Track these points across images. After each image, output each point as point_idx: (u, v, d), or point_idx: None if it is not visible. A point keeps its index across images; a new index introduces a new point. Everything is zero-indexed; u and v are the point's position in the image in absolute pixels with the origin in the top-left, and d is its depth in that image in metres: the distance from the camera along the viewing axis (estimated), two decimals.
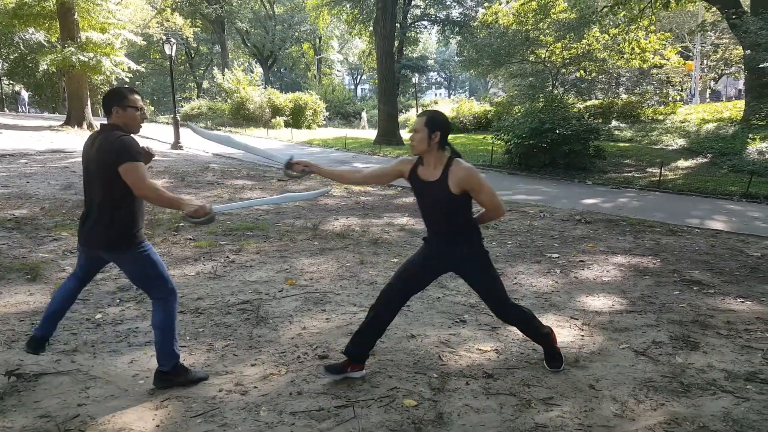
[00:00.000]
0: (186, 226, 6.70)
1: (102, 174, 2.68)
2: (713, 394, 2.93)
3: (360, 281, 4.92)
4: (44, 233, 6.13)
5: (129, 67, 21.21)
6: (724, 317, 4.11)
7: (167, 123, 25.32)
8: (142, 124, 2.85)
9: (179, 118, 18.60)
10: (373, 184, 3.08)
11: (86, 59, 18.78)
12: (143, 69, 27.02)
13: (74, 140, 16.76)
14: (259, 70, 39.85)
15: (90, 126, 20.47)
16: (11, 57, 26.50)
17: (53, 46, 20.53)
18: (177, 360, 2.89)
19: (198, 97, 37.98)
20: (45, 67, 19.85)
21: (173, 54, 18.15)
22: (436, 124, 2.80)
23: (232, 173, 11.71)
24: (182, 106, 29.09)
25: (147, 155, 2.92)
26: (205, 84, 44.04)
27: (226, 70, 30.87)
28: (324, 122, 30.90)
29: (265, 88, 30.65)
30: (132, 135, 2.75)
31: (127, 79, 23.61)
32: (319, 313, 4.10)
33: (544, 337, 3.15)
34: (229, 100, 27.51)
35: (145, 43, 29.83)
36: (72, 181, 9.44)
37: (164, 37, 22.33)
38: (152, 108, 37.06)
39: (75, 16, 19.30)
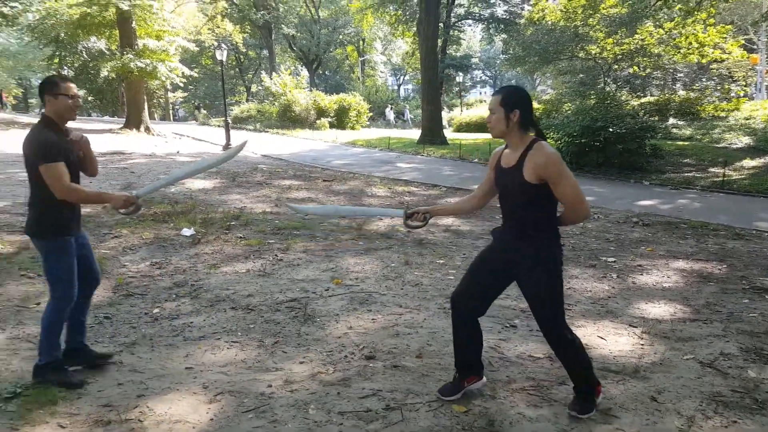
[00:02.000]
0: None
1: (27, 165, 2.75)
2: None
3: (405, 282, 4.85)
4: (106, 230, 6.36)
5: (183, 73, 21.96)
6: None
7: (218, 126, 26.00)
8: (75, 113, 2.83)
9: (230, 121, 19.06)
10: (492, 197, 2.75)
11: (143, 65, 19.64)
12: (196, 74, 27.87)
13: (133, 142, 17.46)
14: (304, 72, 40.35)
15: (147, 129, 21.35)
16: (75, 65, 27.91)
17: (113, 54, 21.50)
18: (52, 359, 2.85)
19: (247, 100, 38.80)
20: (105, 73, 20.78)
21: (224, 59, 18.62)
22: (513, 101, 2.43)
23: (279, 173, 11.87)
24: (232, 110, 29.76)
25: (76, 144, 2.90)
26: (254, 88, 44.97)
27: (273, 73, 31.42)
28: (368, 123, 30.99)
29: (311, 90, 30.95)
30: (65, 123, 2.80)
31: (181, 84, 24.35)
32: (365, 313, 4.06)
33: (589, 383, 2.63)
34: (276, 103, 27.97)
35: (197, 49, 30.77)
36: (131, 181, 9.77)
37: (215, 43, 22.96)
38: (204, 111, 38.15)
39: (133, 25, 20.23)
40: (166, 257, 5.50)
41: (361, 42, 48.87)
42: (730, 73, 22.66)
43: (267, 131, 25.20)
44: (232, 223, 7.03)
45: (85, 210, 7.28)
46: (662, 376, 3.08)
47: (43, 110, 2.85)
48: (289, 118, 26.81)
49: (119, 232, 6.28)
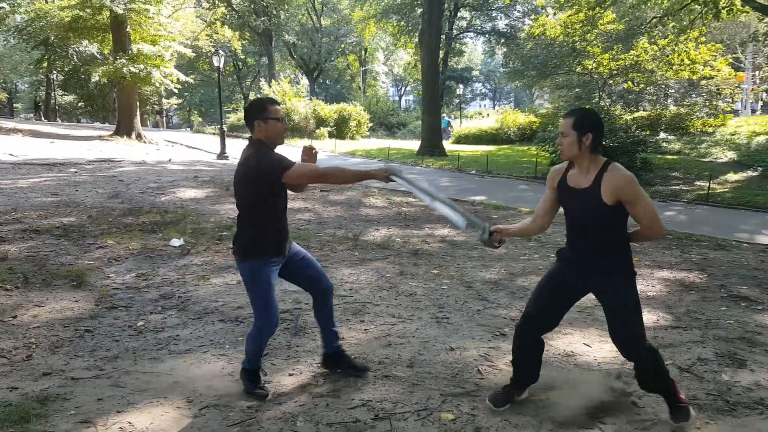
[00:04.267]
0: None
1: (254, 191, 2.82)
2: (761, 413, 2.83)
3: (399, 292, 4.91)
4: (90, 241, 6.31)
5: (178, 79, 21.82)
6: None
7: (214, 133, 25.98)
8: (284, 136, 2.90)
9: (225, 129, 19.07)
10: (552, 219, 2.82)
11: (137, 70, 19.34)
12: (192, 80, 27.94)
13: (124, 150, 17.36)
14: (305, 81, 40.54)
15: (139, 136, 21.01)
16: (65, 69, 27.62)
17: (105, 58, 21.27)
18: (253, 366, 3.00)
19: (245, 108, 38.90)
20: (97, 78, 20.52)
21: (221, 66, 18.63)
22: (586, 124, 2.48)
23: None
24: (229, 117, 29.79)
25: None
26: (252, 95, 45.09)
27: (272, 81, 31.54)
28: (368, 133, 31.13)
29: (311, 99, 31.11)
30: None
31: (176, 90, 24.21)
32: (358, 323, 4.11)
33: (670, 388, 2.70)
34: None
35: (194, 54, 30.80)
36: (119, 190, 9.71)
37: (213, 49, 22.95)
38: (199, 119, 38.08)
39: (127, 29, 19.89)
40: (153, 268, 5.46)
41: (363, 52, 49.13)
42: (718, 89, 23.04)
43: None
44: (224, 233, 7.00)
45: (68, 219, 7.27)
46: None
47: (251, 136, 2.86)
48: (287, 127, 26.95)
49: (105, 243, 6.22)
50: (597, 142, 2.49)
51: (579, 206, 2.54)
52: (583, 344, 3.76)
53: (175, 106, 46.88)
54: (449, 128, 31.59)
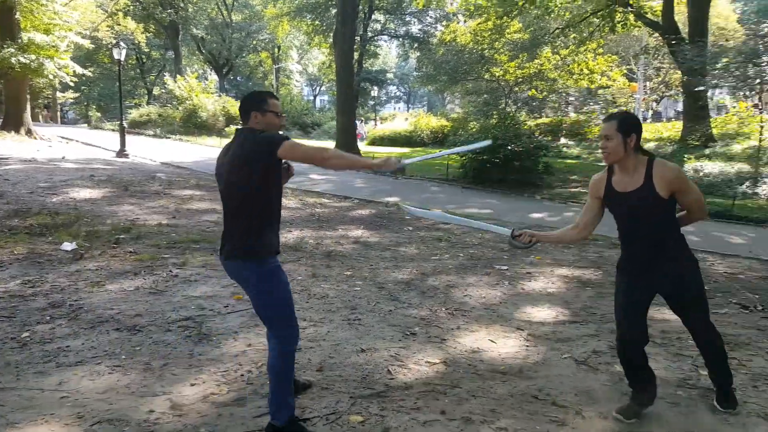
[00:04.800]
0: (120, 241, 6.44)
1: (248, 176, 2.51)
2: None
3: (311, 295, 4.84)
4: None
5: (75, 71, 20.35)
6: (659, 327, 4.22)
7: (114, 130, 24.46)
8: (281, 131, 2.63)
9: (126, 125, 18.00)
10: (594, 227, 2.86)
11: (27, 61, 17.82)
12: (90, 73, 26.06)
13: (10, 146, 15.90)
14: (214, 77, 39.11)
15: (29, 132, 19.40)
16: None
17: None
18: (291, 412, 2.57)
19: (148, 103, 36.87)
20: None
21: (122, 59, 17.63)
22: (629, 126, 2.54)
23: (179, 183, 11.36)
24: (130, 113, 28.08)
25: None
26: (156, 90, 42.85)
27: (178, 76, 30.19)
28: (281, 133, 30.59)
29: (220, 95, 30.06)
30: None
31: (72, 84, 22.65)
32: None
33: (729, 376, 2.85)
34: (180, 108, 26.83)
35: (93, 46, 28.81)
36: (4, 190, 8.89)
37: (114, 41, 21.59)
38: (98, 114, 35.76)
39: (17, 16, 18.36)
40: (41, 275, 5.06)
41: (276, 49, 48.18)
42: (614, 98, 24.90)
43: (169, 137, 24.08)
44: (122, 236, 6.63)
45: None
46: (543, 375, 3.32)
47: (241, 126, 2.61)
48: (194, 124, 25.82)
49: None
50: (639, 143, 2.57)
51: (635, 207, 2.59)
52: (489, 341, 3.88)
53: (72, 101, 43.58)
54: (357, 130, 31.86)
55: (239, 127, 2.63)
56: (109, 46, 27.47)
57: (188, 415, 2.74)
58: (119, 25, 32.78)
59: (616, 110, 23.44)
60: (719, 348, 2.80)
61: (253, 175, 2.44)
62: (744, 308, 4.88)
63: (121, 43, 17.59)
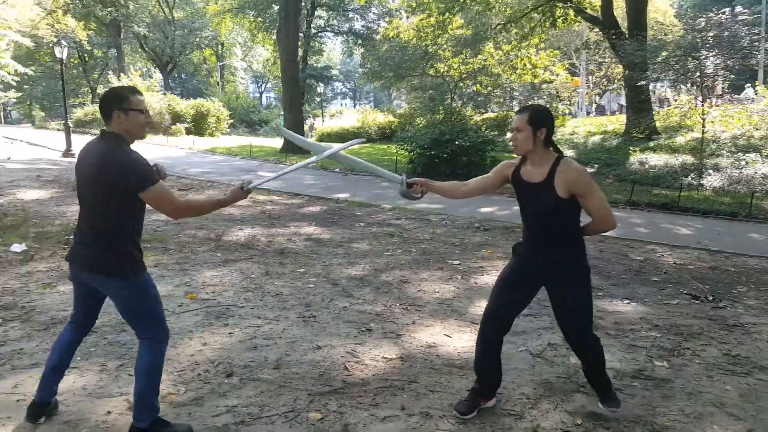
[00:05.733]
0: None
1: (103, 192, 2.33)
2: None
3: (265, 293, 4.82)
4: None
5: (16, 70, 19.45)
6: (612, 318, 4.39)
7: (59, 129, 23.45)
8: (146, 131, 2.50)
9: (71, 125, 17.30)
10: (479, 195, 2.94)
11: None
12: (32, 72, 24.82)
13: None
14: (158, 75, 37.93)
15: None
16: None
17: None
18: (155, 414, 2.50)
19: (92, 102, 35.47)
20: None
21: (64, 57, 16.95)
22: (540, 119, 2.52)
23: None
24: (75, 112, 26.95)
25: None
26: (100, 89, 41.18)
27: (121, 74, 29.12)
28: (228, 130, 29.98)
29: (165, 94, 29.18)
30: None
31: (14, 83, 21.62)
32: (222, 327, 3.96)
33: (607, 379, 2.84)
34: None
35: (33, 45, 27.47)
36: None
37: (55, 40, 20.63)
38: (42, 113, 34.17)
39: None
40: None
41: (219, 46, 47.17)
42: (557, 93, 25.65)
43: None
44: (71, 237, 6.41)
45: None
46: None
47: (104, 128, 2.41)
48: (150, 121, 25.08)
49: None
50: (550, 137, 2.55)
51: (534, 200, 2.59)
52: (444, 335, 3.97)
53: (15, 100, 41.44)
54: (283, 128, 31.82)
55: (105, 128, 2.46)
56: (51, 45, 26.30)
57: None
58: (59, 23, 31.38)
59: (546, 104, 24.10)
60: (598, 356, 2.79)
61: (112, 198, 2.33)
62: (695, 299, 5.06)
63: (62, 42, 16.97)
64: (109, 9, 33.20)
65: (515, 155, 2.70)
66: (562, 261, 2.61)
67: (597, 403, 2.87)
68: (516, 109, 25.09)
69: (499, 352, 2.81)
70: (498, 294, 2.74)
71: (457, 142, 13.62)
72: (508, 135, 21.81)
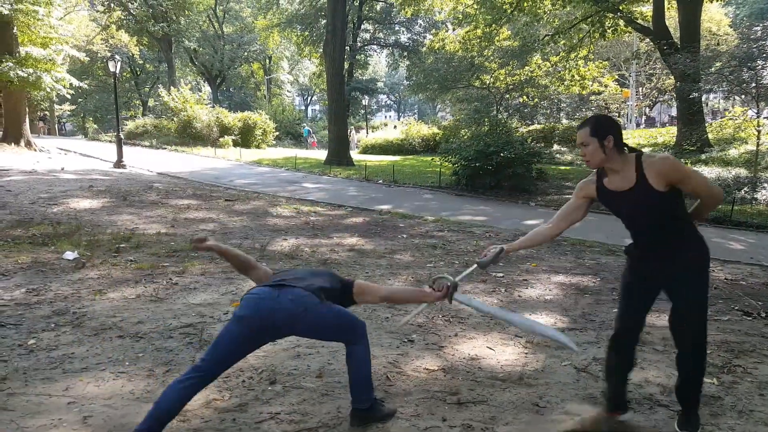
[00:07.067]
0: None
1: None
2: (650, 408, 3.04)
3: None
4: None
5: (71, 84, 20.49)
6: (660, 333, 4.24)
7: (110, 141, 24.51)
8: None
9: (122, 137, 18.08)
10: (568, 227, 2.79)
11: (25, 75, 18.02)
12: (86, 86, 26.11)
13: (11, 158, 15.98)
14: (207, 88, 39.25)
15: (28, 144, 19.55)
16: None
17: None
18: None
19: (143, 115, 37.00)
20: None
21: (117, 71, 17.77)
22: (603, 128, 2.46)
23: (176, 192, 11.41)
24: (126, 124, 28.15)
25: None
26: (151, 102, 42.96)
27: (172, 88, 30.25)
28: (274, 142, 30.64)
29: (213, 107, 30.12)
30: None
31: (69, 96, 22.77)
32: None
33: (698, 396, 2.70)
34: (175, 119, 26.91)
35: (88, 59, 28.90)
36: (7, 201, 8.96)
37: (109, 54, 21.70)
38: (95, 126, 35.81)
39: (14, 31, 18.56)
40: (45, 283, 5.11)
41: (267, 60, 48.44)
42: (606, 104, 25.06)
43: (165, 148, 24.12)
44: (122, 245, 6.68)
45: None
46: (544, 383, 3.34)
47: None
48: (189, 135, 25.86)
49: None
50: (619, 142, 2.48)
51: (634, 205, 2.49)
52: (487, 348, 3.92)
53: (69, 113, 43.76)
54: (309, 138, 32.64)
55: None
56: (104, 59, 27.63)
57: (191, 421, 2.77)
58: (113, 38, 32.95)
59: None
60: (703, 365, 2.67)
61: None
62: (747, 315, 4.88)
63: (116, 56, 17.77)
64: (161, 24, 34.55)
65: (589, 169, 2.62)
66: (684, 256, 2.52)
67: (674, 425, 2.74)
68: (563, 120, 24.75)
69: (631, 366, 2.76)
70: (624, 307, 2.68)
71: (502, 154, 13.46)
72: (555, 147, 21.49)
